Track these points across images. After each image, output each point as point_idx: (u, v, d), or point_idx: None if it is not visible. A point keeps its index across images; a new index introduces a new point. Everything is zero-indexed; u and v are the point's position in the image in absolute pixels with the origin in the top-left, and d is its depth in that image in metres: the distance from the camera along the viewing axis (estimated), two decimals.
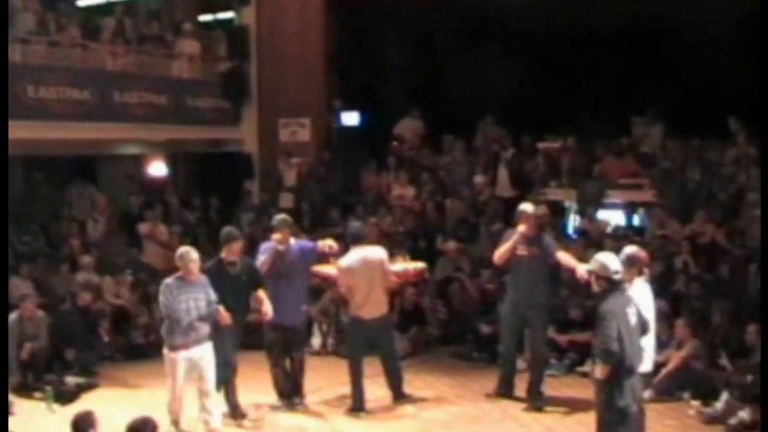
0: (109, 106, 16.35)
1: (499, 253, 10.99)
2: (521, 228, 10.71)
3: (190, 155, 19.65)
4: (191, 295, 9.70)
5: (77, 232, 15.77)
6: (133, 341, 14.02)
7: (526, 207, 11.05)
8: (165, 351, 9.83)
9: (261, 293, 10.54)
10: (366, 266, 10.75)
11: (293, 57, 19.46)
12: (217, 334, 9.97)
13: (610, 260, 7.97)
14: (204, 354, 9.78)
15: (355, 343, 11.14)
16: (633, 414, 7.75)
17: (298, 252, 10.96)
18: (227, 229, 10.98)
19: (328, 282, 12.25)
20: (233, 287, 10.31)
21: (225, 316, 9.92)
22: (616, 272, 7.83)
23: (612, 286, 7.82)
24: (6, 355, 10.00)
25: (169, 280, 9.84)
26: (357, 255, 10.83)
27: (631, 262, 8.71)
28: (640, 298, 8.49)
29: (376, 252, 10.97)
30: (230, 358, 10.41)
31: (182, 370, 9.70)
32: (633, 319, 7.81)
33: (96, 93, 16.12)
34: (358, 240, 11.06)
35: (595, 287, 8.00)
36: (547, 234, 11.45)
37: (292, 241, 11.04)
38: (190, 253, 9.88)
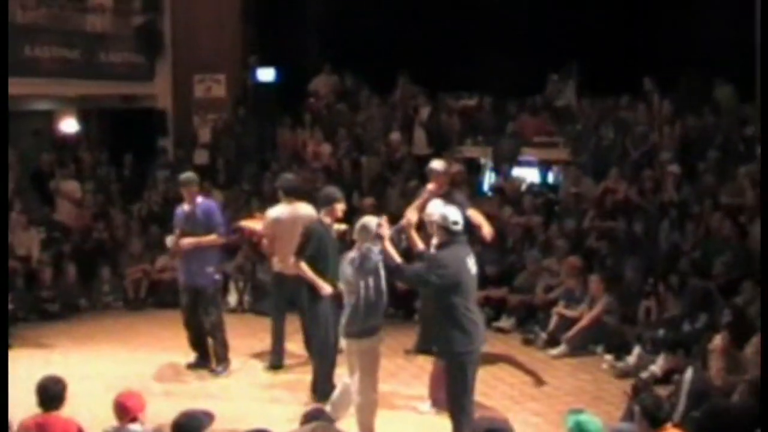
0: (18, 61, 15.89)
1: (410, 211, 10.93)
2: (430, 186, 10.62)
3: (103, 111, 19.29)
4: None
5: None
6: (44, 301, 13.82)
7: (436, 165, 10.70)
8: (350, 340, 8.54)
9: None
10: (294, 221, 10.38)
11: (208, 11, 19.17)
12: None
13: (450, 212, 8.14)
14: None
15: (276, 299, 11.08)
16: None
17: (204, 211, 10.84)
18: (330, 190, 10.29)
19: (253, 236, 12.00)
20: (334, 252, 9.65)
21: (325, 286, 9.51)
22: (455, 223, 8.00)
23: (452, 236, 8.01)
24: (6, 354, 9.70)
25: (353, 253, 8.54)
26: (286, 209, 10.65)
27: None
28: None
29: (306, 209, 10.61)
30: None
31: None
32: (473, 269, 8.11)
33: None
34: (291, 193, 10.82)
35: (436, 237, 8.30)
36: (459, 192, 11.31)
37: (200, 199, 10.95)
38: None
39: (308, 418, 6.31)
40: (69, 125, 18.03)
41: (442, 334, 8.06)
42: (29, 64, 16.21)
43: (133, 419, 6.84)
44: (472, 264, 8.10)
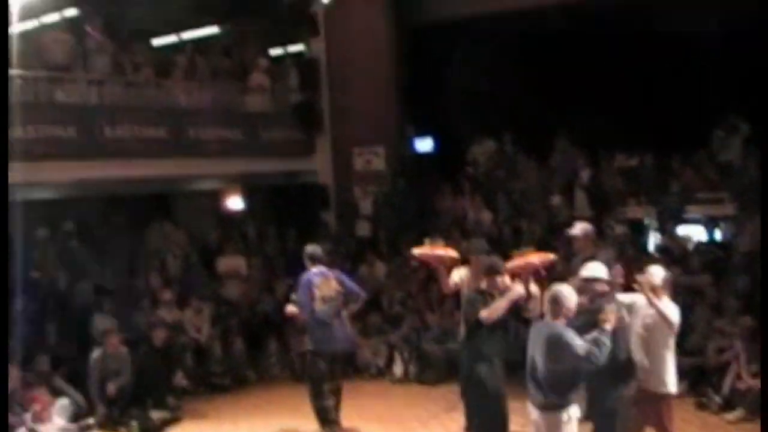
0: (183, 142, 16.49)
1: None
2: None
3: (266, 188, 19.74)
4: None
5: (157, 267, 15.91)
6: (213, 375, 14.10)
7: (574, 230, 10.82)
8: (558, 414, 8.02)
9: None
10: None
11: (364, 86, 19.48)
12: None
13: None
14: None
15: None
16: None
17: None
18: (494, 260, 9.83)
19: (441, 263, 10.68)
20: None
21: None
22: None
23: None
24: (6, 357, 10.01)
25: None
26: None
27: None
28: None
29: None
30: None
31: None
32: None
33: (171, 130, 16.27)
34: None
35: None
36: (605, 251, 10.93)
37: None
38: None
39: None
40: (234, 202, 18.46)
41: None
42: (194, 145, 16.72)
43: None
44: None
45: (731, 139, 16.36)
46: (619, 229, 15.05)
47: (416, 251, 10.67)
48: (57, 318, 13.85)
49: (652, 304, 8.36)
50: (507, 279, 9.47)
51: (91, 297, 14.60)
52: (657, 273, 8.56)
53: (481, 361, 9.35)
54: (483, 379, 9.29)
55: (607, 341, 7.72)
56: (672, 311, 8.41)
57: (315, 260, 11.41)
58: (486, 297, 9.44)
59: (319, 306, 11.07)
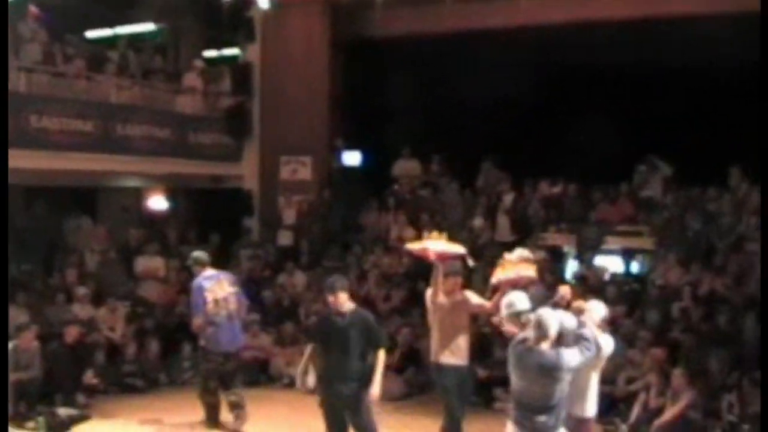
0: (111, 138, 16.35)
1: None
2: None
3: (191, 190, 19.66)
4: None
5: (75, 263, 15.73)
6: (125, 375, 13.96)
7: (511, 256, 10.71)
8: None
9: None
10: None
11: (296, 95, 19.48)
12: None
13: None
14: None
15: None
16: None
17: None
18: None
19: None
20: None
21: None
22: None
23: None
24: (6, 360, 9.92)
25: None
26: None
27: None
28: None
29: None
30: None
31: None
32: None
33: (99, 125, 16.13)
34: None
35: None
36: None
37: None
38: None
39: None
40: (157, 202, 18.35)
41: None
42: (121, 141, 16.62)
43: None
44: None
45: (652, 176, 16.72)
46: (539, 255, 15.24)
47: (414, 246, 10.36)
48: None
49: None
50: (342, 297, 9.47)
51: (6, 288, 14.36)
52: (598, 309, 8.65)
53: None
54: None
55: (591, 347, 7.89)
56: (606, 343, 8.51)
57: (203, 264, 11.80)
58: None
59: (211, 308, 11.36)
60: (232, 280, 11.94)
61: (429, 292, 10.07)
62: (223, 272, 12.08)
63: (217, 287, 11.56)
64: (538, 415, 7.78)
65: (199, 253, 12.14)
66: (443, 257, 9.90)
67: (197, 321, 11.49)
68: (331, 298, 9.43)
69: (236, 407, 11.68)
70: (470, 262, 10.08)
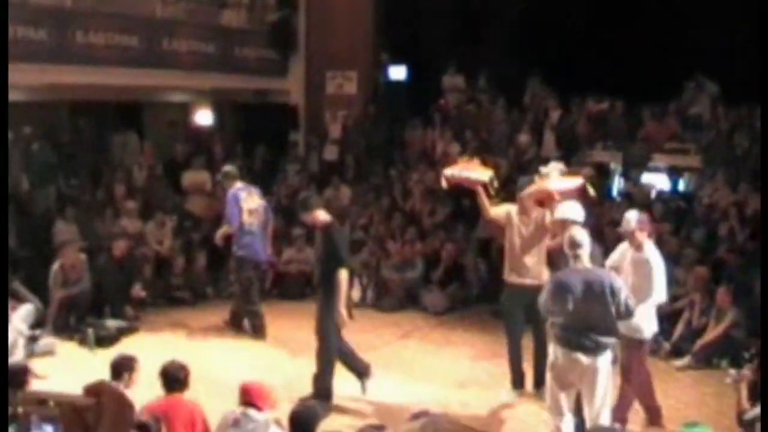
0: (156, 53, 16.35)
1: None
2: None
3: (236, 105, 19.66)
4: None
5: (123, 178, 15.86)
6: (173, 288, 14.15)
7: (547, 168, 10.49)
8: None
9: None
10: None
11: (342, 9, 19.34)
12: None
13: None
14: None
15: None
16: None
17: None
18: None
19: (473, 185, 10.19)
20: None
21: None
22: None
23: None
24: (6, 357, 10.07)
25: None
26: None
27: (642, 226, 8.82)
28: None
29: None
30: None
31: None
32: None
33: (144, 39, 16.11)
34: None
35: None
36: None
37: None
38: None
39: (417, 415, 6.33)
40: (203, 117, 18.39)
41: None
42: (166, 56, 16.60)
43: (256, 407, 6.99)
44: None
45: (700, 94, 16.48)
46: (587, 170, 15.17)
47: (448, 171, 10.28)
48: (17, 222, 13.80)
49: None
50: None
51: (53, 203, 14.57)
52: (628, 220, 8.66)
53: None
54: None
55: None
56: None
57: (233, 178, 12.41)
58: None
59: (246, 218, 11.93)
60: (260, 193, 12.51)
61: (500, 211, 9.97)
62: (252, 186, 12.62)
63: (249, 198, 12.13)
64: (604, 334, 7.84)
65: (229, 168, 12.79)
66: (474, 185, 9.96)
67: (230, 230, 12.14)
68: (307, 217, 9.63)
69: (255, 317, 12.19)
70: (493, 187, 9.98)
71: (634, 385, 8.82)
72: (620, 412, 8.74)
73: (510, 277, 9.88)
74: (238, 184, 12.31)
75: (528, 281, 9.68)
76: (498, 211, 10.07)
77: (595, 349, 7.79)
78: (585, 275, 7.79)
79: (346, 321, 9.41)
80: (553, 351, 8.05)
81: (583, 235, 7.96)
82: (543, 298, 7.96)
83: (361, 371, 9.86)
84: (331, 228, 9.54)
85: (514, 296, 9.83)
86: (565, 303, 7.73)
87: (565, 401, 8.04)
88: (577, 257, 7.87)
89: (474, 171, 10.22)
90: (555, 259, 9.40)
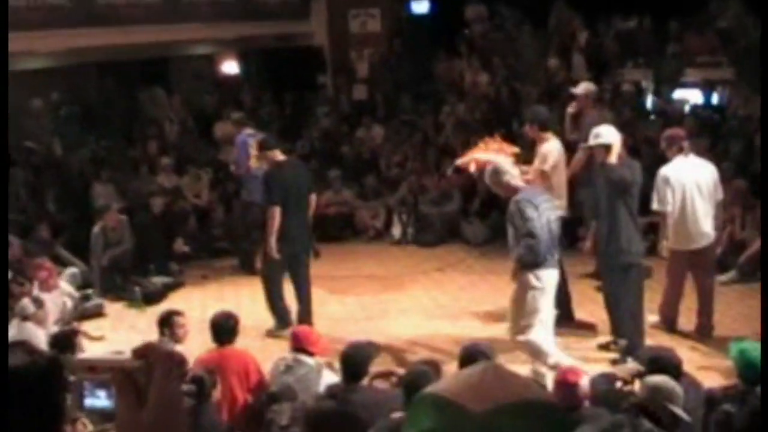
0: (177, 8, 16.30)
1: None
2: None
3: (262, 51, 19.60)
4: None
5: (155, 134, 15.91)
6: (214, 239, 14.25)
7: (577, 88, 11.00)
8: None
9: None
10: (562, 156, 9.86)
11: None
12: None
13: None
14: None
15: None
16: None
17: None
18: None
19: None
20: None
21: None
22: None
23: None
24: (6, 355, 10.20)
25: None
26: (556, 143, 9.84)
27: (669, 142, 9.23)
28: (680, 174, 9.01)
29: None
30: None
31: None
32: None
33: None
34: (545, 127, 9.91)
35: None
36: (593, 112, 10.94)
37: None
38: None
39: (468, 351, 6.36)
40: (229, 67, 18.37)
41: None
42: (187, 9, 16.54)
43: (307, 352, 7.08)
44: None
45: (729, 4, 16.22)
46: (627, 88, 15.10)
47: (462, 160, 9.89)
48: (54, 187, 13.92)
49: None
50: None
51: (88, 165, 14.66)
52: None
53: None
54: None
55: None
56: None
57: (243, 124, 13.13)
58: None
59: (253, 162, 11.98)
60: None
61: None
62: (259, 132, 12.79)
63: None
64: None
65: (238, 115, 13.82)
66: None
67: (238, 172, 12.84)
68: (264, 159, 10.35)
69: (248, 256, 12.82)
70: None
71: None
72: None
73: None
74: (248, 130, 12.78)
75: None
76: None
77: None
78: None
79: (275, 255, 9.77)
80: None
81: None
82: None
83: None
84: (268, 170, 10.22)
85: None
86: None
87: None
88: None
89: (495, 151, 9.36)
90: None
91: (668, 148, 9.19)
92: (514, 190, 8.14)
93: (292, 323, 9.82)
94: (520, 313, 8.02)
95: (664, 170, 9.01)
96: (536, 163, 9.59)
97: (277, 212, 9.64)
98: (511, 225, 8.06)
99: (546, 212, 7.96)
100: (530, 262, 7.89)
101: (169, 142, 16.09)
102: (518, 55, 17.55)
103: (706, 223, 9.18)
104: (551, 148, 9.65)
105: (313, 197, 10.49)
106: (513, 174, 8.26)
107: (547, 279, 7.99)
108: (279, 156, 10.17)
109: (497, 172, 8.25)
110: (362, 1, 19.39)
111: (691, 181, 9.06)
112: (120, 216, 12.53)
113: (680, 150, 9.14)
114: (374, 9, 19.47)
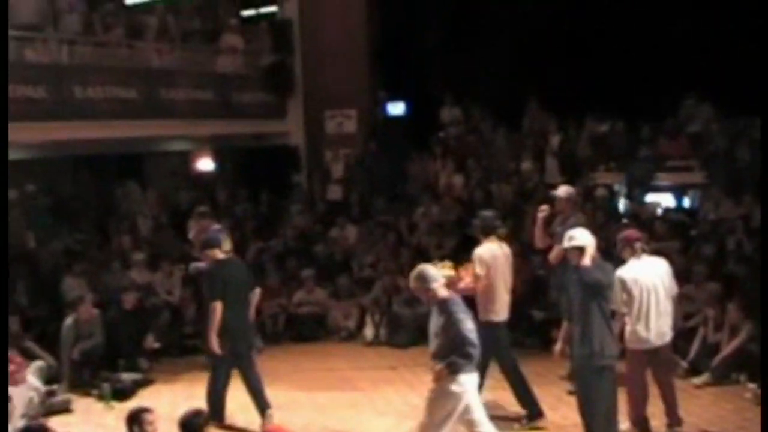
0: (155, 104, 16.42)
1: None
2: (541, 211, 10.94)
3: (237, 150, 19.73)
4: None
5: (128, 229, 15.87)
6: (185, 337, 14.11)
7: (558, 191, 11.09)
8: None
9: None
10: (506, 259, 9.99)
11: (337, 49, 19.45)
12: None
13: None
14: None
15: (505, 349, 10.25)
16: None
17: None
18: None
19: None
20: None
21: None
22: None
23: None
24: (6, 354, 10.08)
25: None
26: (494, 247, 9.95)
27: (622, 244, 9.30)
28: (636, 275, 9.06)
29: (506, 247, 10.08)
30: None
31: None
32: None
33: (142, 91, 16.19)
34: (491, 232, 10.08)
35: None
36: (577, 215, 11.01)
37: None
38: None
39: None
40: (205, 164, 18.42)
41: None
42: (165, 106, 16.67)
43: None
44: None
45: (698, 110, 16.49)
46: (601, 192, 15.22)
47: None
48: (26, 279, 13.81)
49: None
50: None
51: (61, 259, 14.57)
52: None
53: None
54: None
55: None
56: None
57: (204, 217, 12.98)
58: None
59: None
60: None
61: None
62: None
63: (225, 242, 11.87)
64: None
65: (203, 209, 13.51)
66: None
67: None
68: (206, 256, 10.41)
69: None
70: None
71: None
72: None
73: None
74: (216, 226, 12.47)
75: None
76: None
77: None
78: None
79: (216, 350, 9.85)
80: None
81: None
82: None
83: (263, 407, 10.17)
84: (210, 267, 10.31)
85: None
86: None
87: None
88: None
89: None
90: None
91: (622, 250, 9.27)
92: (436, 299, 8.16)
93: (223, 420, 10.09)
94: (436, 415, 7.97)
95: (620, 273, 9.01)
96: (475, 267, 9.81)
97: (218, 307, 9.77)
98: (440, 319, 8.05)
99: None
100: (460, 370, 7.87)
101: (142, 237, 16.04)
102: (492, 157, 17.72)
103: (665, 323, 9.19)
104: (482, 251, 9.83)
105: (256, 292, 10.52)
106: (439, 281, 8.29)
107: (469, 383, 7.99)
108: (219, 255, 10.30)
109: (423, 278, 8.23)
110: (339, 102, 19.61)
111: (647, 282, 9.09)
112: (93, 309, 12.41)
113: (633, 252, 9.21)
114: (350, 110, 19.70)
